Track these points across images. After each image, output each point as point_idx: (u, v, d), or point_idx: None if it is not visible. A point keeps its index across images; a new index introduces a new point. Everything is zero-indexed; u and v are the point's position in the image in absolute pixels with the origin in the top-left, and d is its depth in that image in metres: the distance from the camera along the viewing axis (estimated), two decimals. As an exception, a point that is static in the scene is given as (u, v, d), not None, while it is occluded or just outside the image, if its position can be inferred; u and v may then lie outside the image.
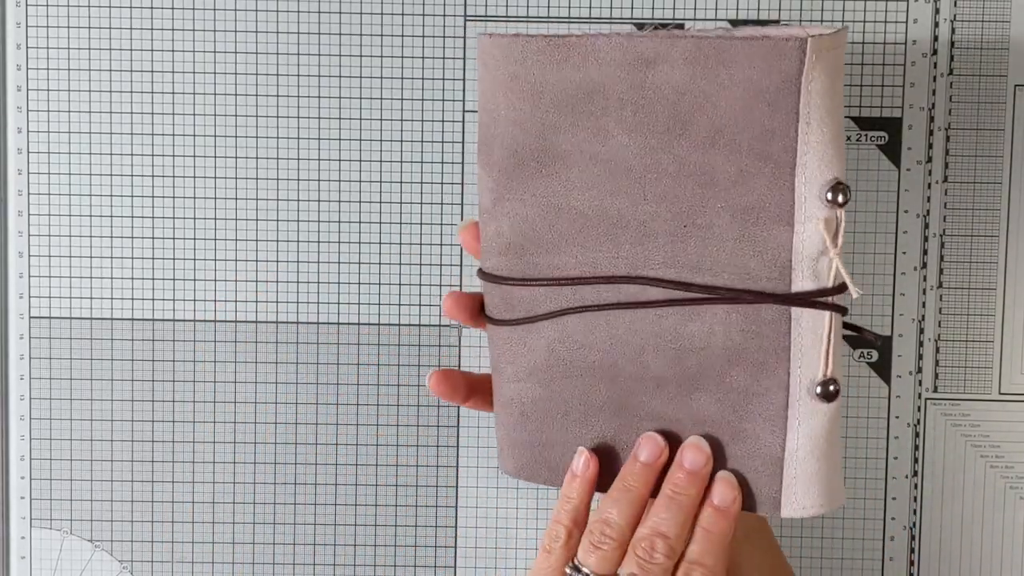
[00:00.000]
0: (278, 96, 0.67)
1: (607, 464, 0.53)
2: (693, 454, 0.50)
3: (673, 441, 0.51)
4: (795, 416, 0.50)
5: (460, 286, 0.67)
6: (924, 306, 0.66)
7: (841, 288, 0.49)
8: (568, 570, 0.51)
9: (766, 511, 0.51)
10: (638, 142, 0.48)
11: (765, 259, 0.48)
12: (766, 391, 0.50)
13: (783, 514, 0.51)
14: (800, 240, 0.48)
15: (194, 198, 0.67)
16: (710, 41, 0.46)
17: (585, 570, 0.50)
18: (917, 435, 0.67)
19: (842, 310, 0.49)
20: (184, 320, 0.68)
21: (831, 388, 0.49)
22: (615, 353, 0.51)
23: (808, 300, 0.48)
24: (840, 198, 0.47)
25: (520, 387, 0.53)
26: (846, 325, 0.52)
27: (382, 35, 0.66)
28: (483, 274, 0.53)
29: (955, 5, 0.65)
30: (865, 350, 0.67)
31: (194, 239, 0.67)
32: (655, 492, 0.51)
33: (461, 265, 0.67)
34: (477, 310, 0.55)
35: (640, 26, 0.65)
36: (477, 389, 0.58)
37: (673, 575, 0.50)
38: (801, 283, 0.48)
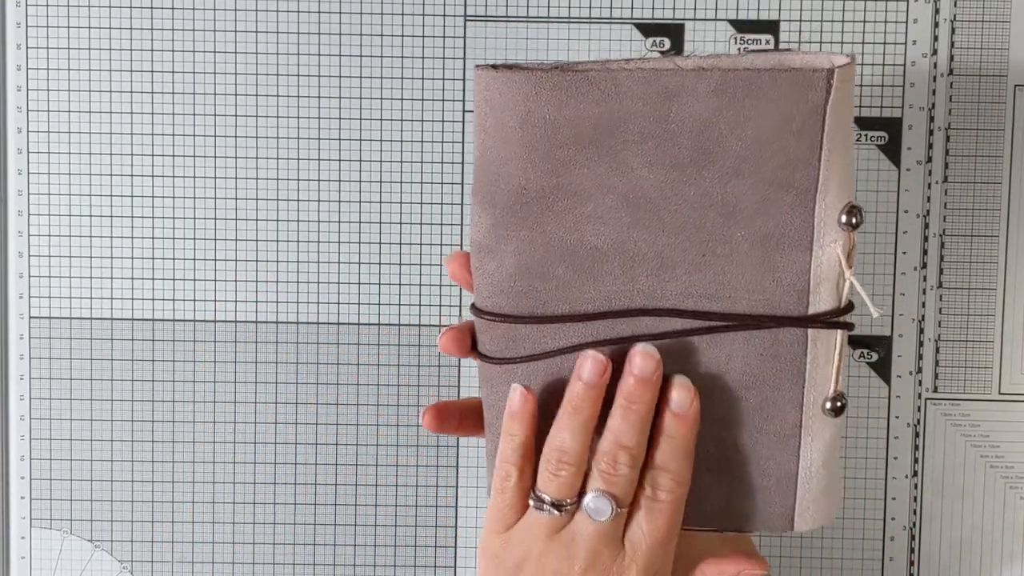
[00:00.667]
0: (278, 96, 0.67)
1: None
2: (642, 360, 0.49)
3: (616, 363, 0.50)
4: (808, 433, 0.50)
5: (460, 287, 0.67)
6: (924, 306, 0.66)
7: (850, 307, 0.50)
8: (531, 501, 0.50)
9: (779, 528, 0.52)
10: (659, 175, 0.48)
11: (784, 284, 0.49)
12: (780, 411, 0.50)
13: (796, 528, 0.51)
14: (818, 263, 0.49)
15: (194, 198, 0.67)
16: (737, 73, 0.46)
17: (547, 497, 0.49)
18: (917, 435, 0.67)
19: (851, 327, 0.50)
20: (184, 320, 0.68)
21: (839, 403, 0.50)
22: None
23: (826, 321, 0.49)
24: (854, 220, 0.48)
25: None
26: (849, 339, 0.52)
27: (382, 35, 0.66)
28: (479, 311, 0.51)
29: (955, 5, 0.65)
30: (865, 350, 0.67)
31: (194, 239, 0.67)
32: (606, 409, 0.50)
33: (461, 265, 0.67)
34: (473, 344, 0.54)
35: (645, 28, 0.65)
36: (468, 416, 0.57)
37: (640, 485, 0.50)
38: (818, 305, 0.49)
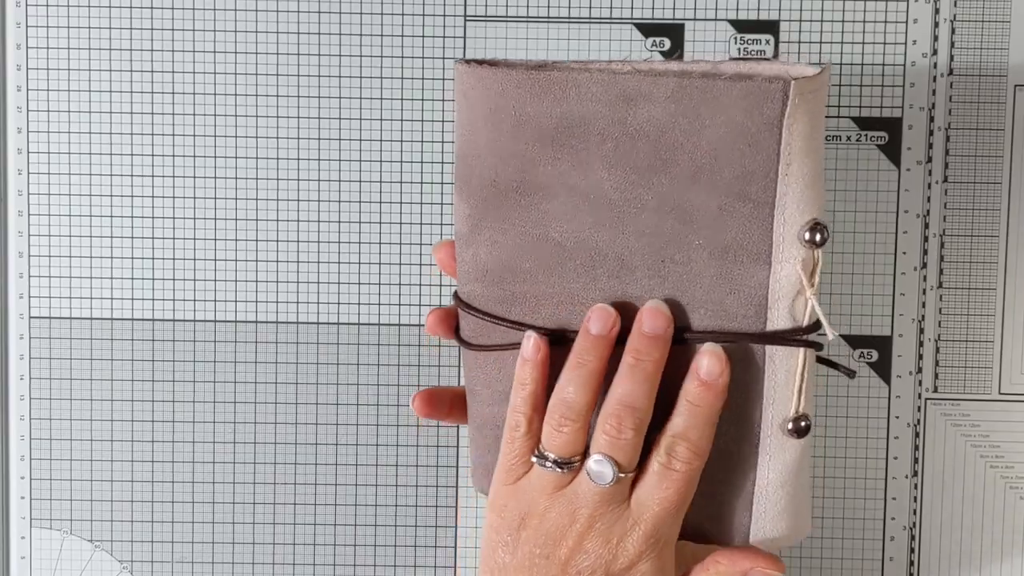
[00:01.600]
0: (278, 96, 0.67)
1: None
2: (652, 318, 0.48)
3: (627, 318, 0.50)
4: (767, 451, 0.50)
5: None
6: (924, 306, 0.66)
7: (815, 326, 0.48)
8: (534, 458, 0.49)
9: (739, 541, 0.51)
10: (618, 177, 0.48)
11: (741, 297, 0.48)
12: (739, 426, 0.50)
13: (751, 542, 0.51)
14: (776, 279, 0.48)
15: (194, 198, 0.67)
16: (693, 80, 0.46)
17: (551, 455, 0.49)
18: (917, 435, 0.67)
19: (816, 346, 0.49)
20: (184, 320, 0.68)
21: (802, 424, 0.49)
22: None
23: (783, 339, 0.48)
24: (818, 238, 0.47)
25: (495, 410, 0.53)
26: (820, 360, 0.51)
27: (382, 35, 0.66)
28: (459, 300, 0.53)
29: (955, 5, 0.65)
30: (865, 350, 0.67)
31: (194, 239, 0.67)
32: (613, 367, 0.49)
33: (461, 265, 0.67)
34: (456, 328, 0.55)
35: (645, 28, 0.65)
36: (458, 403, 0.57)
37: (653, 449, 0.49)
38: (777, 322, 0.48)
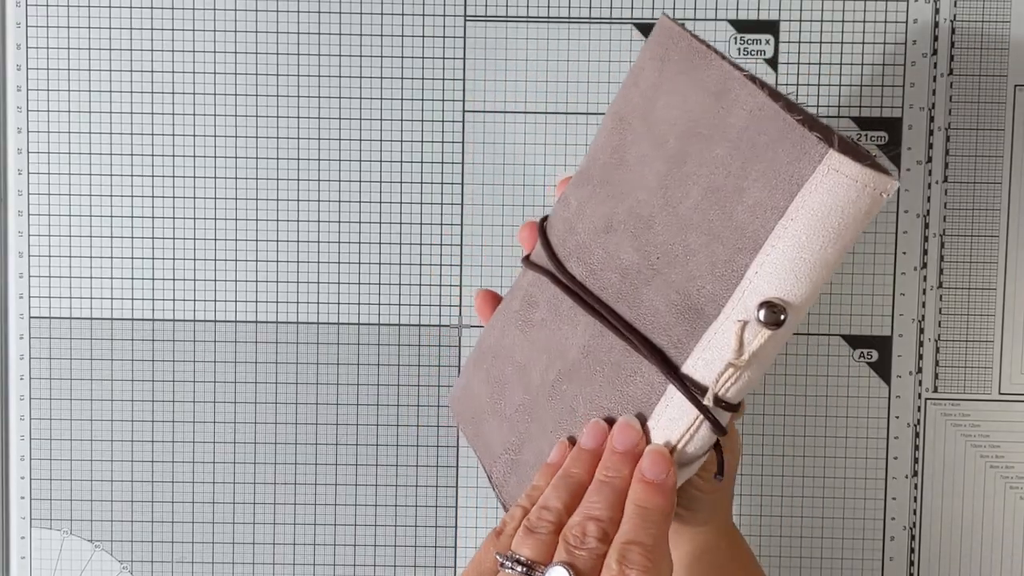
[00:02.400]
0: (278, 96, 0.67)
1: (515, 457, 0.53)
2: (623, 433, 0.47)
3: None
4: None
5: (460, 286, 0.67)
6: (924, 306, 0.66)
7: (722, 402, 0.46)
8: (500, 557, 0.47)
9: None
10: (666, 171, 0.48)
11: (681, 322, 0.46)
12: (623, 407, 0.49)
13: None
14: (714, 331, 0.46)
15: (194, 198, 0.67)
16: (775, 110, 0.44)
17: (521, 556, 0.47)
18: (917, 435, 0.67)
19: (717, 427, 0.46)
20: (184, 320, 0.68)
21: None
22: (540, 350, 0.52)
23: (686, 388, 0.46)
24: (764, 316, 0.44)
25: (510, 352, 0.54)
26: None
27: (382, 35, 0.66)
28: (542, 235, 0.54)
29: (955, 5, 0.65)
30: (865, 350, 0.67)
31: (194, 239, 0.67)
32: None
33: (461, 265, 0.67)
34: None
35: (644, 28, 0.65)
36: None
37: (607, 560, 0.46)
38: (693, 368, 0.46)
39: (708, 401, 0.45)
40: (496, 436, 0.54)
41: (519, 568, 0.46)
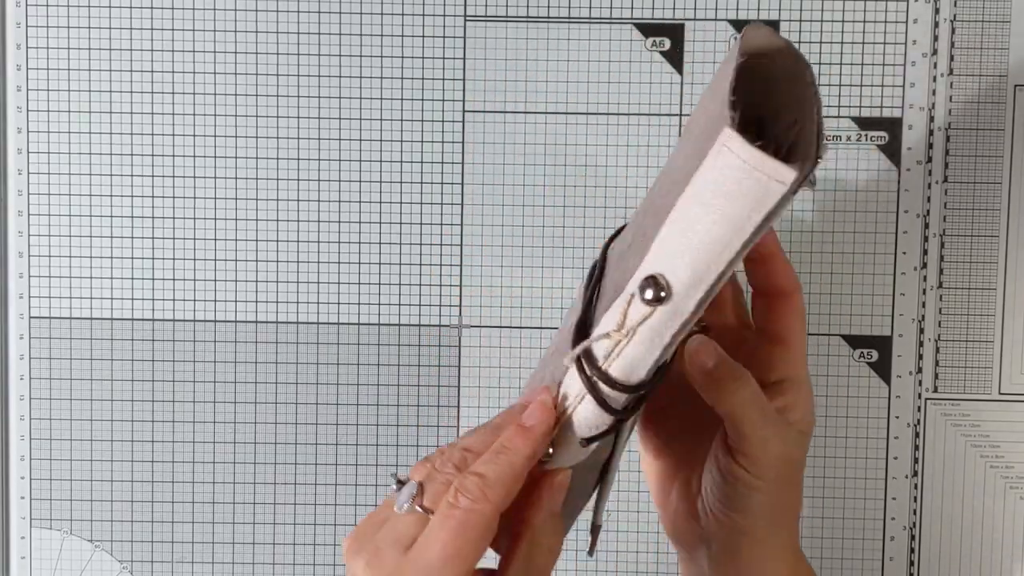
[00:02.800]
0: (278, 96, 0.67)
1: None
2: (531, 409, 0.46)
3: None
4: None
5: (460, 286, 0.67)
6: (924, 306, 0.66)
7: (607, 377, 0.45)
8: (391, 477, 0.46)
9: None
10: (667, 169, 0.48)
11: (613, 299, 0.46)
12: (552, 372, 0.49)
13: None
14: (616, 306, 0.45)
15: (194, 198, 0.67)
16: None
17: (402, 477, 0.46)
18: (917, 435, 0.67)
19: (604, 405, 0.45)
20: (184, 320, 0.68)
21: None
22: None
23: (577, 357, 0.45)
24: (643, 291, 0.43)
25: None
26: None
27: (382, 35, 0.66)
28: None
29: (955, 5, 0.65)
30: (865, 350, 0.67)
31: (194, 239, 0.67)
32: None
33: (461, 265, 0.67)
34: None
35: (644, 28, 0.65)
36: None
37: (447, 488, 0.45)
38: (596, 340, 0.45)
39: (592, 374, 0.45)
40: None
41: (395, 485, 0.45)
